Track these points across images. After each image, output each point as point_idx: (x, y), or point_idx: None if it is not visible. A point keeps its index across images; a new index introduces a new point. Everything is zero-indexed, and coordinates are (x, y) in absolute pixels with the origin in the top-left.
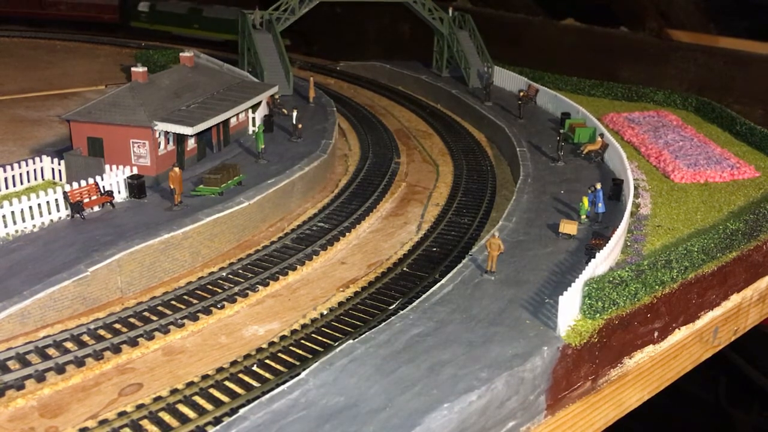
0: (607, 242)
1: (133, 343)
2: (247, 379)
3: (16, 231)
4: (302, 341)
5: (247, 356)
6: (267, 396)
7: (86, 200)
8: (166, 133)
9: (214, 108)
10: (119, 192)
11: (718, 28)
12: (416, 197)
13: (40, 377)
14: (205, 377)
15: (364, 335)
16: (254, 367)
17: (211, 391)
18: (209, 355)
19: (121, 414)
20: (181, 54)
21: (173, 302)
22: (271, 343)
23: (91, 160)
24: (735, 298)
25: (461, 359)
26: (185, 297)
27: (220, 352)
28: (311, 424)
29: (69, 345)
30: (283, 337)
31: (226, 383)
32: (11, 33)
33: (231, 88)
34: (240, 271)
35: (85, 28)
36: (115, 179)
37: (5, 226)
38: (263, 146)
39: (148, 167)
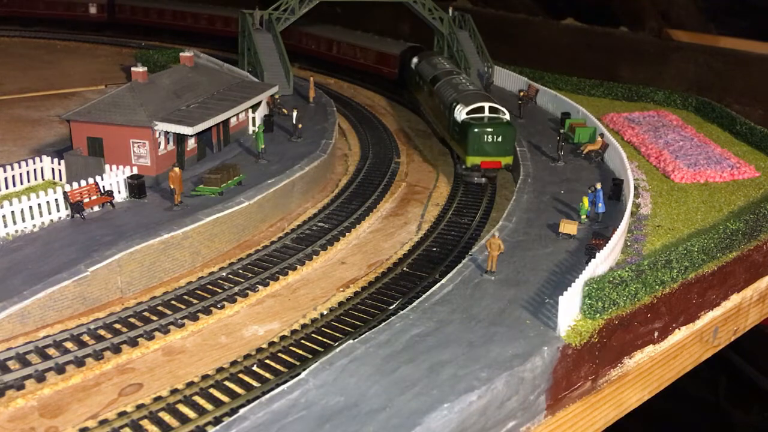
0: (607, 242)
1: (133, 343)
2: (247, 379)
3: (16, 231)
4: (302, 341)
5: (247, 356)
6: (267, 396)
7: (86, 200)
8: (166, 133)
9: (214, 108)
10: (119, 192)
11: (718, 28)
12: (416, 197)
13: (40, 377)
14: (205, 377)
15: (364, 335)
16: (254, 367)
17: (211, 391)
18: (209, 355)
19: (121, 414)
20: (181, 54)
21: (173, 302)
22: (271, 343)
23: (91, 160)
24: (735, 298)
25: (461, 359)
26: (185, 297)
27: (220, 352)
28: (311, 424)
29: (69, 345)
30: (283, 337)
31: (226, 383)
32: (11, 33)
33: (231, 88)
34: (240, 271)
35: (368, 80)
36: (115, 179)
37: (5, 226)
38: (263, 146)
39: (148, 167)
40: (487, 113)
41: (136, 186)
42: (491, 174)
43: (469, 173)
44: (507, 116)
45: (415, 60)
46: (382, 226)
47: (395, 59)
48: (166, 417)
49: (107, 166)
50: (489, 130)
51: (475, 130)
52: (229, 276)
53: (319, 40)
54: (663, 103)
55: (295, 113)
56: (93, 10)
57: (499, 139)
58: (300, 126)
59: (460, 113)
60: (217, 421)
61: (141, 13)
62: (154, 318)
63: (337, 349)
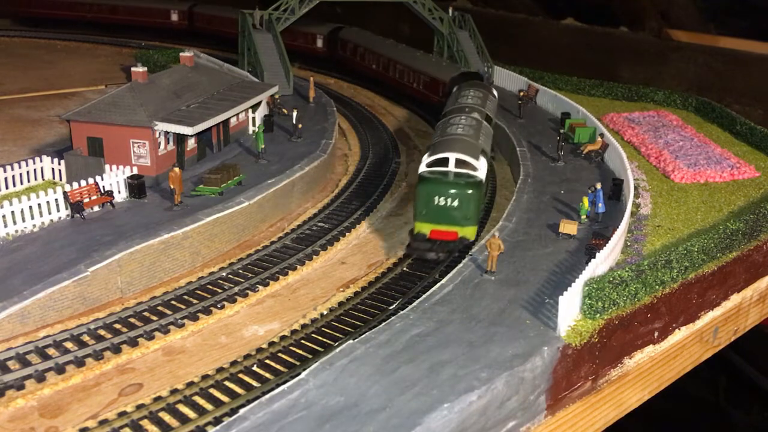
0: (608, 242)
1: (133, 343)
2: (247, 379)
3: (17, 231)
4: (302, 341)
5: (247, 356)
6: (267, 396)
7: (86, 200)
8: (166, 133)
9: (214, 108)
10: (119, 192)
11: (718, 28)
12: None
13: (40, 377)
14: (205, 377)
15: (364, 335)
16: (254, 367)
17: (211, 391)
18: (209, 355)
19: (121, 414)
20: (181, 54)
21: (173, 302)
22: (271, 343)
23: (91, 160)
24: (735, 298)
25: (461, 359)
26: (185, 297)
27: (220, 352)
28: (311, 424)
29: (69, 345)
30: (283, 337)
31: (226, 383)
32: (11, 33)
33: (231, 88)
34: (240, 271)
35: (422, 108)
36: (115, 179)
37: (5, 226)
38: (263, 146)
39: (148, 167)
40: (452, 167)
41: (136, 186)
42: (443, 249)
43: (418, 243)
44: (479, 174)
45: (454, 89)
46: (382, 226)
47: (444, 86)
48: (166, 417)
49: (107, 166)
50: (442, 189)
51: (425, 187)
52: (229, 276)
53: (380, 58)
54: (663, 103)
55: (295, 113)
56: (174, 17)
57: (455, 203)
58: (300, 126)
59: (422, 164)
60: (217, 421)
61: (217, 23)
62: (154, 318)
63: (337, 349)
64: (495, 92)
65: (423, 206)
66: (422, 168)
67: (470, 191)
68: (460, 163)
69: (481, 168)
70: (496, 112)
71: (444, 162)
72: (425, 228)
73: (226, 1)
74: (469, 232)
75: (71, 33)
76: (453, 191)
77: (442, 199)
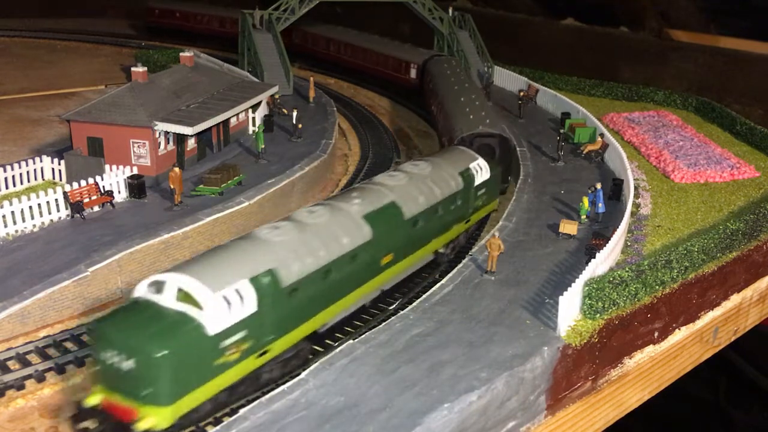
0: (608, 242)
1: None
2: None
3: (17, 231)
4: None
5: None
6: (267, 396)
7: (86, 200)
8: (166, 133)
9: (214, 108)
10: (119, 192)
11: (718, 28)
12: None
13: (40, 377)
14: None
15: (364, 335)
16: None
17: None
18: None
19: None
20: (181, 54)
21: None
22: None
23: (91, 160)
24: (735, 298)
25: (461, 359)
26: None
27: None
28: (311, 424)
29: (69, 345)
30: None
31: None
32: (11, 33)
33: (231, 88)
34: None
35: None
36: (115, 179)
37: (5, 226)
38: (263, 146)
39: (148, 167)
40: (167, 300)
41: (136, 186)
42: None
43: (81, 415)
44: (204, 318)
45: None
46: None
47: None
48: None
49: (107, 166)
50: (110, 337)
51: (95, 331)
52: None
53: (437, 97)
54: (663, 103)
55: (295, 113)
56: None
57: (130, 363)
58: (300, 126)
59: (142, 284)
60: (217, 421)
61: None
62: None
63: (337, 349)
64: (482, 171)
65: (96, 360)
66: (138, 290)
67: (157, 350)
68: (182, 295)
69: (220, 308)
70: (454, 204)
71: (158, 287)
72: (97, 394)
73: (228, 3)
74: (155, 415)
75: (71, 33)
76: (127, 343)
77: (113, 354)
